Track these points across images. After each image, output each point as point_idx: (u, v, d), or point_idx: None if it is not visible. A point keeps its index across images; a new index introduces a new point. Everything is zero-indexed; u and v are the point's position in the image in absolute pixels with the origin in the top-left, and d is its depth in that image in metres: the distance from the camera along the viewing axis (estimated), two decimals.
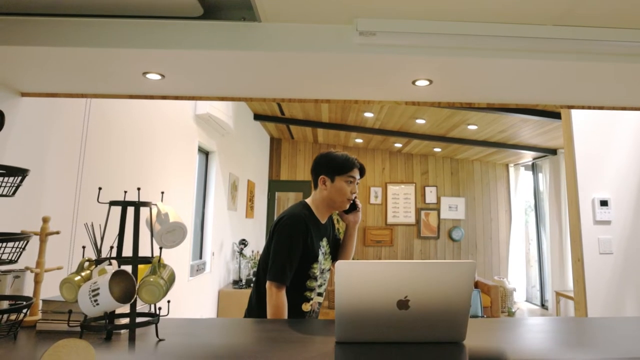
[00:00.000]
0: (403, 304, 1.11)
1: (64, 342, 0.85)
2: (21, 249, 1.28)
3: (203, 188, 4.41)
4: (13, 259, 1.26)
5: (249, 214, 5.98)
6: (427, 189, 7.41)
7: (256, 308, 1.67)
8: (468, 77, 1.57)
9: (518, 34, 1.34)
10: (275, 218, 1.72)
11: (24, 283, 1.42)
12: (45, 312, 1.26)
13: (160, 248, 1.21)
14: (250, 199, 6.04)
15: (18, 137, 1.69)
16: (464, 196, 7.42)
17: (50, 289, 1.46)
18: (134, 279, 1.11)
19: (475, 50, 1.40)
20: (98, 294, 1.02)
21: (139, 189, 1.17)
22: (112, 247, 1.23)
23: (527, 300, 6.95)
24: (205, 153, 4.47)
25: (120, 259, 1.14)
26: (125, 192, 1.33)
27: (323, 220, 1.77)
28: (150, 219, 1.21)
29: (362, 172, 1.77)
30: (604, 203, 2.65)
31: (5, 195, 1.34)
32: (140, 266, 1.18)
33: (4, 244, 1.23)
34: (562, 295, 5.15)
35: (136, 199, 1.21)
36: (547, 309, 6.34)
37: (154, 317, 1.17)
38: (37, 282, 1.34)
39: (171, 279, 1.18)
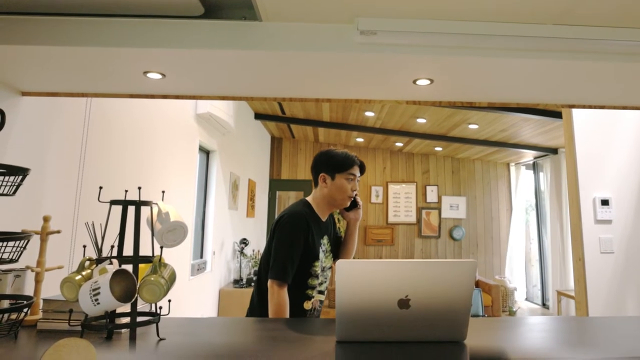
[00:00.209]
0: (404, 303, 1.11)
1: (64, 342, 0.85)
2: (22, 248, 1.28)
3: (204, 187, 4.41)
4: (14, 258, 1.26)
5: (250, 213, 5.98)
6: (428, 188, 7.40)
7: (258, 307, 1.67)
8: (469, 76, 1.57)
9: (519, 33, 1.34)
10: (276, 216, 1.72)
11: (24, 282, 1.43)
12: (46, 312, 1.26)
13: (161, 247, 1.21)
14: (251, 198, 6.04)
15: (19, 136, 1.69)
16: (465, 195, 7.41)
17: (51, 289, 1.46)
18: (135, 278, 1.11)
19: (476, 50, 1.40)
20: (99, 293, 1.02)
21: (139, 188, 1.17)
22: (112, 247, 1.23)
23: (528, 300, 6.95)
24: (206, 152, 4.47)
25: (121, 258, 1.14)
26: (126, 191, 1.33)
27: (324, 218, 1.77)
28: (151, 218, 1.21)
29: (362, 170, 1.77)
30: (605, 202, 2.64)
31: (6, 195, 1.34)
32: (141, 265, 1.18)
33: (5, 243, 1.23)
34: (563, 294, 5.15)
35: (137, 198, 1.21)
36: (548, 308, 6.33)
37: (155, 317, 1.17)
38: (38, 281, 1.34)
39: (172, 278, 1.18)
